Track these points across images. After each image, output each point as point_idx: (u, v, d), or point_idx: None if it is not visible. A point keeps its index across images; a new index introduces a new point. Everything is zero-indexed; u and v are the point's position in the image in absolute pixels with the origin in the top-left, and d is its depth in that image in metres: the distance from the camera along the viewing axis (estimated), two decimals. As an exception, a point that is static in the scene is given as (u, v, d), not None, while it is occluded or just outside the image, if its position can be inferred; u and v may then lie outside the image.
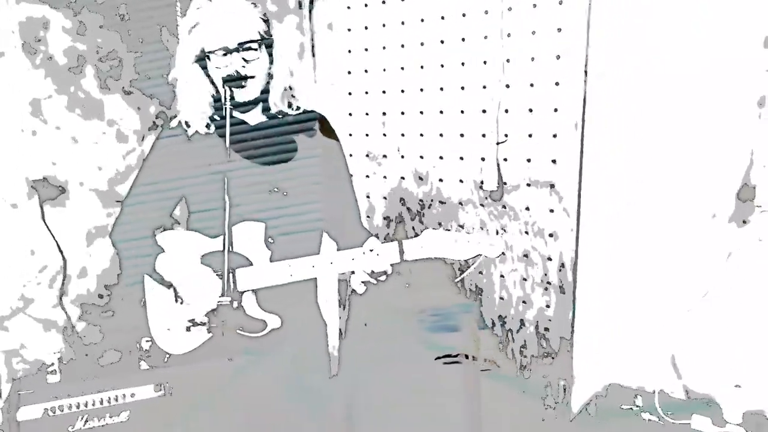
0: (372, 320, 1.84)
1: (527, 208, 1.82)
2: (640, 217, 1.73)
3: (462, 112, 1.88)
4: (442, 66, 1.88)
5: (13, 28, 1.92)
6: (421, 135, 1.96)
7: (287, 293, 1.65)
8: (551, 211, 1.78)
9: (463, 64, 1.84)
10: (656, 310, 1.74)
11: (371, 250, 1.59)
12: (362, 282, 1.66)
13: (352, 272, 1.65)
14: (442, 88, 1.90)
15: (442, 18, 1.85)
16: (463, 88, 1.86)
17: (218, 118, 1.60)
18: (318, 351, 1.70)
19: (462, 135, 1.89)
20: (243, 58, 1.53)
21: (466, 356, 1.86)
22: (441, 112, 1.91)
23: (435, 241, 1.55)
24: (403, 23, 1.91)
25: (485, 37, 1.79)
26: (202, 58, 1.57)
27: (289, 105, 1.63)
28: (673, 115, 1.64)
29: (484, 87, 1.82)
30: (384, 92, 1.99)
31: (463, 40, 1.83)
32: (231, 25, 1.55)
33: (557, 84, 1.70)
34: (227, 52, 1.54)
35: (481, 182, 1.87)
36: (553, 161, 1.75)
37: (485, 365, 1.85)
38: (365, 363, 1.79)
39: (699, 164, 1.64)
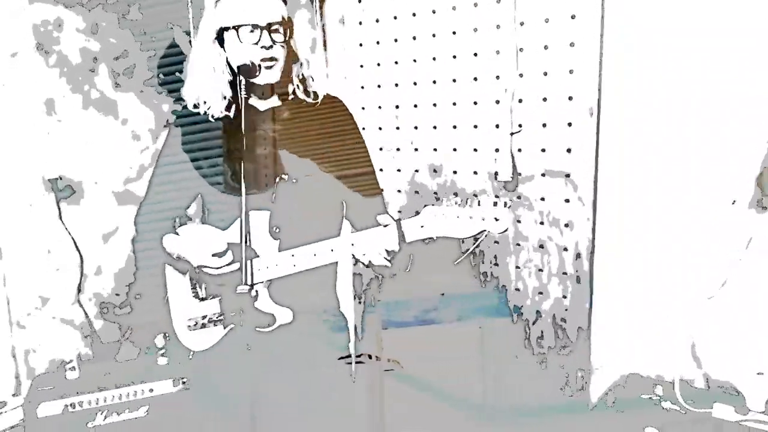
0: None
1: (542, 199, 1.81)
2: (657, 204, 1.71)
3: (475, 103, 1.87)
4: (455, 57, 1.87)
5: (27, 29, 1.94)
6: (435, 127, 1.95)
7: (294, 285, 1.65)
8: (567, 200, 1.77)
9: (475, 54, 1.83)
10: (675, 298, 1.73)
11: (370, 235, 1.56)
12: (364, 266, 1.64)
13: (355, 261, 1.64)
14: (454, 80, 1.89)
15: (454, 9, 1.84)
16: (476, 78, 1.85)
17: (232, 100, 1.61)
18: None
19: (476, 126, 1.88)
20: (271, 38, 1.53)
21: (370, 356, 1.84)
22: (454, 103, 1.90)
23: (436, 219, 1.50)
24: (414, 15, 1.90)
25: (497, 27, 1.78)
26: (222, 35, 1.56)
27: (306, 93, 1.64)
28: (690, 100, 1.63)
29: (497, 77, 1.81)
30: (396, 85, 1.99)
31: (475, 30, 1.82)
32: (259, 4, 1.55)
33: (571, 72, 1.69)
34: (255, 28, 1.54)
35: (496, 173, 1.86)
36: (568, 150, 1.74)
37: (388, 365, 1.84)
38: (269, 363, 1.77)
39: (717, 150, 1.62)
